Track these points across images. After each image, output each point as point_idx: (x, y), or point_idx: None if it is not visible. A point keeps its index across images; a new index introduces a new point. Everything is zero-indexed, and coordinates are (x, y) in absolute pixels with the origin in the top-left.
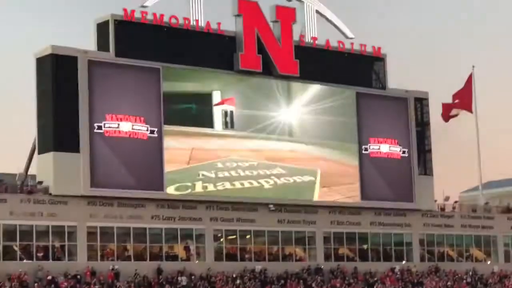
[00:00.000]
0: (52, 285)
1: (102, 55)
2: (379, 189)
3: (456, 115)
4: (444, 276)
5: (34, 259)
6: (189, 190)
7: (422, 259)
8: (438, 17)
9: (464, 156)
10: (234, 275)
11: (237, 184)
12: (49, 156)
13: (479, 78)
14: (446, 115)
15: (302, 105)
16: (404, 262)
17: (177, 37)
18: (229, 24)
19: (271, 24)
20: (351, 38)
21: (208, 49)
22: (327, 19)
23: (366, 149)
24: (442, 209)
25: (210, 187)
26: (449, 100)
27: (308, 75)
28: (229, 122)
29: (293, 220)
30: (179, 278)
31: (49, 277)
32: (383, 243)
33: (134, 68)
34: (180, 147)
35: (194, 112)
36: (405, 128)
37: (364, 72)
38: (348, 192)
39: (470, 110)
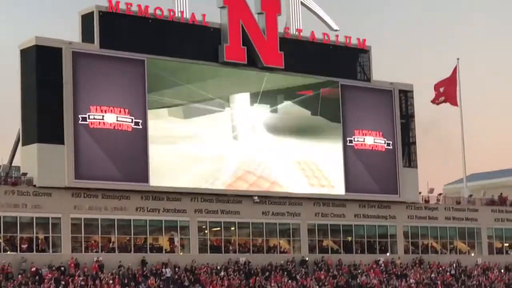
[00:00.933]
0: (36, 277)
1: (87, 47)
2: (364, 181)
3: (444, 102)
4: (428, 268)
5: (18, 250)
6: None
7: (406, 251)
8: (423, 10)
9: (449, 148)
10: (218, 267)
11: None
12: (33, 147)
13: (464, 71)
14: (437, 99)
15: (286, 97)
16: (388, 254)
17: (162, 28)
18: (214, 15)
19: (256, 16)
20: (336, 30)
21: (193, 41)
22: (312, 11)
23: (350, 141)
24: (426, 201)
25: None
26: (433, 92)
27: (292, 67)
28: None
29: (278, 212)
30: (164, 270)
31: (33, 269)
32: (367, 235)
33: (119, 60)
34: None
35: (179, 104)
36: (390, 120)
37: (349, 64)
38: None
39: (455, 103)
